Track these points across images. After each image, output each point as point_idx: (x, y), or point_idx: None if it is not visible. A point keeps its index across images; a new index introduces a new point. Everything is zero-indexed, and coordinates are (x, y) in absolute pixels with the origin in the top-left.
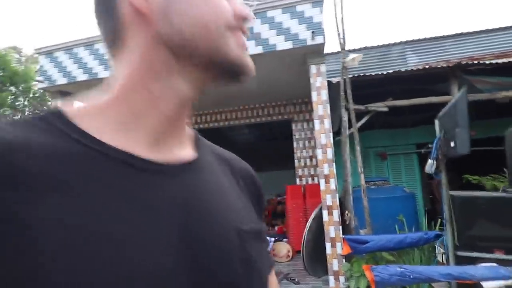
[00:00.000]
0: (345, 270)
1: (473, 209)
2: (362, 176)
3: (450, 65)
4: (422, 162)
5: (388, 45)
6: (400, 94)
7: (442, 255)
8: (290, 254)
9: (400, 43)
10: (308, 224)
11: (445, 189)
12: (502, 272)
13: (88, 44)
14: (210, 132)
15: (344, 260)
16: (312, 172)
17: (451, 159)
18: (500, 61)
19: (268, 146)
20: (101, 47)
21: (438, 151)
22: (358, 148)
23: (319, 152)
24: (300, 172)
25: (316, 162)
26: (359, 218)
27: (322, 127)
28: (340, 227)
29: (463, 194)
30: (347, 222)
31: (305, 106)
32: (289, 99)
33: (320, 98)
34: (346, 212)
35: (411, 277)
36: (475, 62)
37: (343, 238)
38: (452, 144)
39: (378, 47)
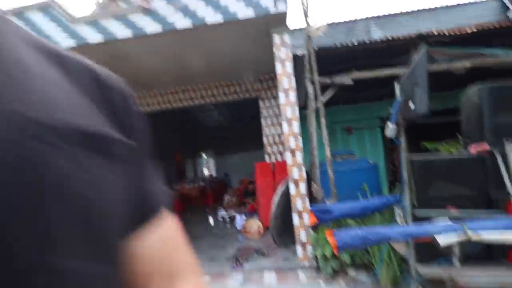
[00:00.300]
0: (312, 240)
1: (430, 170)
2: (327, 148)
3: (412, 36)
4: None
5: (353, 21)
6: (364, 69)
7: (400, 216)
8: (261, 230)
9: (365, 19)
10: (275, 199)
11: (404, 153)
12: (454, 227)
13: (42, 7)
14: (174, 113)
15: (311, 230)
16: (280, 149)
17: (409, 127)
18: (458, 32)
19: (237, 126)
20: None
21: (398, 114)
22: (323, 120)
23: (284, 125)
24: (269, 149)
25: None
26: (325, 190)
27: (288, 100)
28: (307, 199)
29: (422, 157)
30: (314, 195)
31: (272, 82)
32: (255, 75)
33: (285, 70)
34: (313, 184)
35: (372, 238)
36: (436, 34)
37: (309, 209)
38: (412, 105)
39: (343, 23)
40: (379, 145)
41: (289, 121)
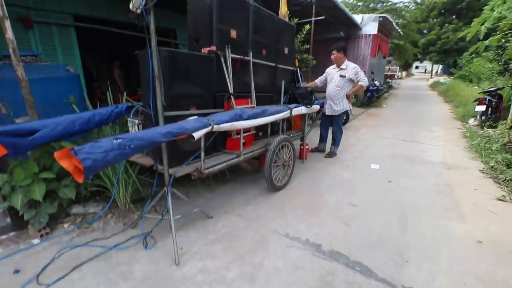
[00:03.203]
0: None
1: (176, 67)
2: (9, 36)
3: None
4: (81, 38)
5: None
6: None
7: (138, 125)
8: None
9: None
10: None
11: (154, 39)
12: (205, 121)
13: None
14: None
15: None
16: None
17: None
18: None
19: None
20: None
21: None
22: None
23: None
24: None
25: None
26: (10, 106)
27: None
28: None
29: (170, 50)
30: None
31: None
32: None
33: None
34: None
35: (132, 146)
36: None
37: None
38: None
39: None
40: (74, 50)
41: None
